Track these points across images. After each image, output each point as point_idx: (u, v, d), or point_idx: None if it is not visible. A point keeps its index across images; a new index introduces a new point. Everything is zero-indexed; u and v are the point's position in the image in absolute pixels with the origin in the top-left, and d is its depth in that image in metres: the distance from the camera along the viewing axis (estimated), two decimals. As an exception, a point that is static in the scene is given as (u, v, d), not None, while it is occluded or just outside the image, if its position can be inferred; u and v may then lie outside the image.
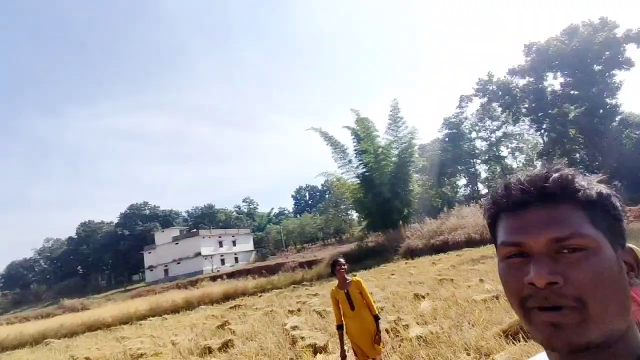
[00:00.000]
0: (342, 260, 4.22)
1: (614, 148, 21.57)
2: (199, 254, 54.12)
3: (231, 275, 36.98)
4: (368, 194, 32.61)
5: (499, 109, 27.91)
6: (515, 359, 4.29)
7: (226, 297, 22.44)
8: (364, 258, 26.49)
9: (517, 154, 46.95)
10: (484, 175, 50.03)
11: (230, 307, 16.09)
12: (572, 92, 21.70)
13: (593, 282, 0.48)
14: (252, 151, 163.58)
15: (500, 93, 24.42)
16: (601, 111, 20.93)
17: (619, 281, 0.50)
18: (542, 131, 24.42)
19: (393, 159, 34.11)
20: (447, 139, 45.45)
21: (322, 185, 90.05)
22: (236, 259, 59.21)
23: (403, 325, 6.71)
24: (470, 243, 23.45)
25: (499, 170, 44.98)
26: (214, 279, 36.37)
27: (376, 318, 3.99)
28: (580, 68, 21.09)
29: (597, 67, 20.93)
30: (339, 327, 4.07)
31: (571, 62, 21.26)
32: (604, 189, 0.54)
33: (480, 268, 12.99)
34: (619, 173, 23.24)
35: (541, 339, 0.50)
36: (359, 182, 34.41)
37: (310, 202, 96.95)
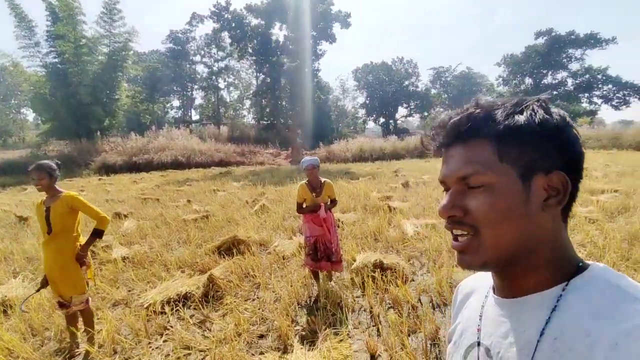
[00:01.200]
0: (50, 163, 2.97)
1: (308, 104, 26.91)
2: None
3: None
4: (58, 91, 25.64)
5: (229, 40, 28.05)
6: (230, 271, 4.47)
7: None
8: (41, 169, 21.11)
9: (232, 89, 49.79)
10: (199, 101, 50.27)
11: None
12: (290, 46, 24.89)
13: (486, 213, 0.54)
14: None
15: (233, 24, 24.61)
16: (307, 70, 25.35)
17: (518, 210, 0.53)
18: (260, 74, 26.90)
19: (100, 57, 28.14)
20: (168, 54, 41.94)
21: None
22: None
23: (103, 247, 5.73)
24: (177, 165, 23.40)
25: (213, 100, 46.37)
26: None
27: (96, 233, 3.04)
28: (301, 29, 24.45)
29: (313, 33, 24.90)
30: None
31: (296, 21, 24.25)
32: (523, 118, 0.54)
33: (186, 189, 13.12)
34: (306, 123, 29.45)
35: (456, 259, 0.60)
36: (45, 73, 26.35)
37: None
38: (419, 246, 5.09)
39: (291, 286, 3.96)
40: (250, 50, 25.25)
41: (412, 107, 51.18)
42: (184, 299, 3.85)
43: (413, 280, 4.11)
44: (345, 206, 8.09)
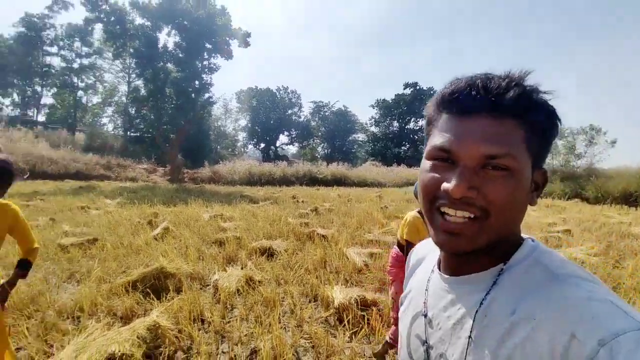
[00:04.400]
0: None
1: (195, 119, 24.77)
2: None
3: None
4: None
5: (98, 35, 23.99)
6: (176, 317, 3.38)
7: None
8: None
9: (90, 92, 42.36)
10: (49, 100, 41.18)
11: None
12: (180, 55, 22.66)
13: (503, 200, 0.50)
14: None
15: (112, 18, 21.21)
16: (197, 83, 23.38)
17: (524, 199, 0.53)
18: (140, 79, 23.59)
19: None
20: (19, 40, 33.39)
21: None
22: None
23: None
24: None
25: (67, 102, 38.71)
26: None
27: (25, 266, 2.10)
28: (195, 39, 22.62)
29: (207, 45, 23.30)
30: None
31: (188, 29, 22.36)
32: (553, 110, 0.53)
33: (40, 205, 10.45)
34: (188, 140, 26.92)
35: (436, 240, 0.55)
36: None
37: None
38: (380, 276, 4.80)
39: (288, 331, 3.14)
40: (131, 50, 22.05)
41: (293, 135, 52.64)
42: (120, 364, 2.67)
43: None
44: (268, 232, 7.36)
